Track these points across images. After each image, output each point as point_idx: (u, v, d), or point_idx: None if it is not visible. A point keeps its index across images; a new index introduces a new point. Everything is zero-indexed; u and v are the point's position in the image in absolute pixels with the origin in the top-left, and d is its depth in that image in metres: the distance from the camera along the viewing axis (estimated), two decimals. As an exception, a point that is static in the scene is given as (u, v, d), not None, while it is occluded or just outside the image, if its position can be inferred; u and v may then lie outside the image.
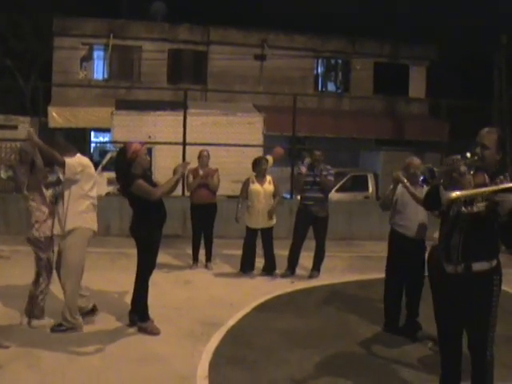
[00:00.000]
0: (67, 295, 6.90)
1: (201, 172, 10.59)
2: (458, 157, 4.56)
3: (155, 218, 7.05)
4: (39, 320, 6.92)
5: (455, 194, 4.33)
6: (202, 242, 10.74)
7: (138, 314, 7.04)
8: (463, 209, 4.56)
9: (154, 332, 6.90)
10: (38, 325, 6.87)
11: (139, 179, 6.86)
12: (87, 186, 6.94)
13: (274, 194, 10.12)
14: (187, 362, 6.00)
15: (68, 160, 6.75)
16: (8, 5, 25.83)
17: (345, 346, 6.74)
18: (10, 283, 8.64)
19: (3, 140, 21.58)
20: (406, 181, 7.10)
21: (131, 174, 6.88)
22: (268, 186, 10.06)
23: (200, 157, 10.80)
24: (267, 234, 10.15)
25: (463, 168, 4.50)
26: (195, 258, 10.73)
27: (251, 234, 10.17)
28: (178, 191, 11.16)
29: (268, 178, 10.13)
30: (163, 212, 7.13)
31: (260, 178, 10.08)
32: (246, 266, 10.19)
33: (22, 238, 11.99)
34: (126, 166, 6.92)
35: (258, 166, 10.07)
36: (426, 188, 6.67)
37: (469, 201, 4.52)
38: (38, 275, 6.94)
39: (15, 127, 23.95)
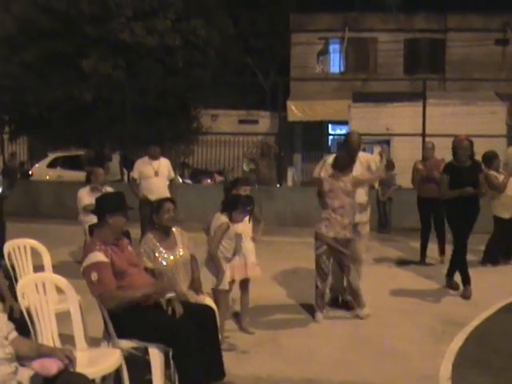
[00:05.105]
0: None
1: (419, 166, 10.20)
2: None
3: None
4: (361, 309, 7.10)
5: None
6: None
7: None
8: None
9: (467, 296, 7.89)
10: (364, 314, 7.06)
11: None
12: None
13: None
14: (428, 361, 5.78)
15: None
16: (247, 4, 27.14)
17: None
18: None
19: (245, 134, 22.73)
20: None
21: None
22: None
23: (424, 149, 10.51)
24: None
25: None
26: (422, 254, 10.22)
27: (505, 223, 9.68)
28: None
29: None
30: None
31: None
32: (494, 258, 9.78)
33: (290, 230, 12.73)
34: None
35: (490, 160, 9.50)
36: None
37: None
38: (347, 269, 7.03)
39: (256, 122, 25.16)
